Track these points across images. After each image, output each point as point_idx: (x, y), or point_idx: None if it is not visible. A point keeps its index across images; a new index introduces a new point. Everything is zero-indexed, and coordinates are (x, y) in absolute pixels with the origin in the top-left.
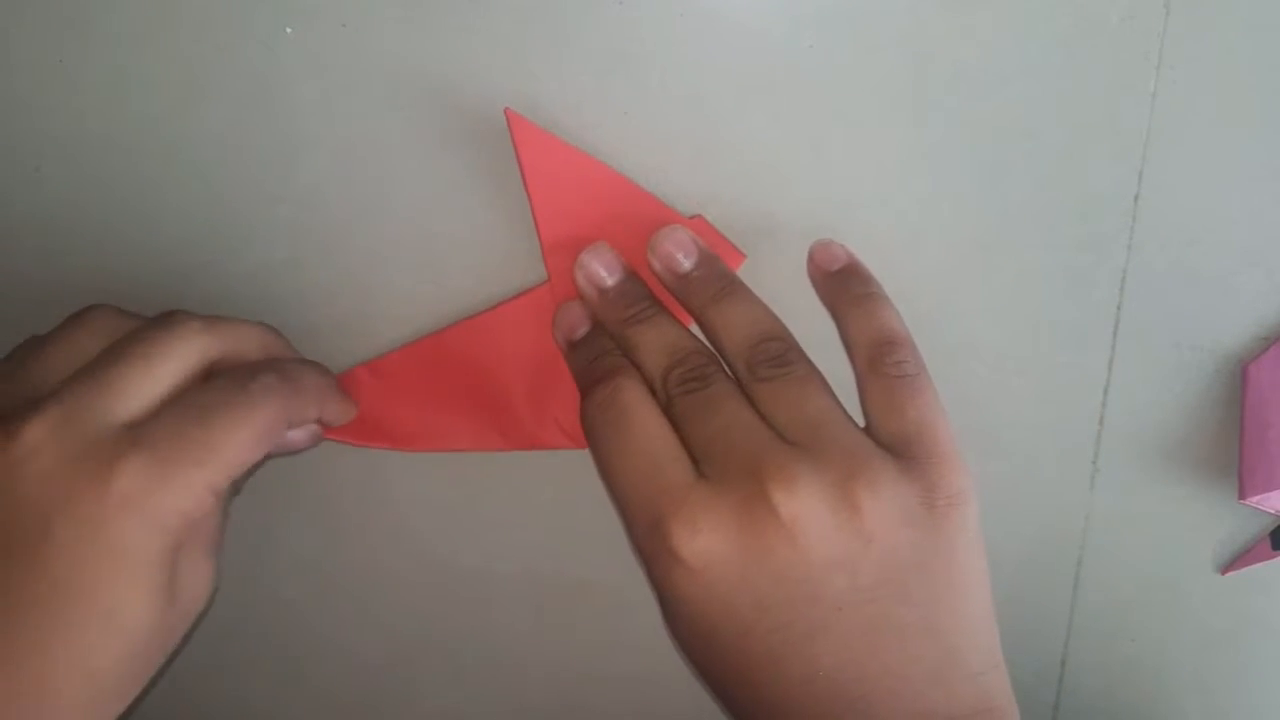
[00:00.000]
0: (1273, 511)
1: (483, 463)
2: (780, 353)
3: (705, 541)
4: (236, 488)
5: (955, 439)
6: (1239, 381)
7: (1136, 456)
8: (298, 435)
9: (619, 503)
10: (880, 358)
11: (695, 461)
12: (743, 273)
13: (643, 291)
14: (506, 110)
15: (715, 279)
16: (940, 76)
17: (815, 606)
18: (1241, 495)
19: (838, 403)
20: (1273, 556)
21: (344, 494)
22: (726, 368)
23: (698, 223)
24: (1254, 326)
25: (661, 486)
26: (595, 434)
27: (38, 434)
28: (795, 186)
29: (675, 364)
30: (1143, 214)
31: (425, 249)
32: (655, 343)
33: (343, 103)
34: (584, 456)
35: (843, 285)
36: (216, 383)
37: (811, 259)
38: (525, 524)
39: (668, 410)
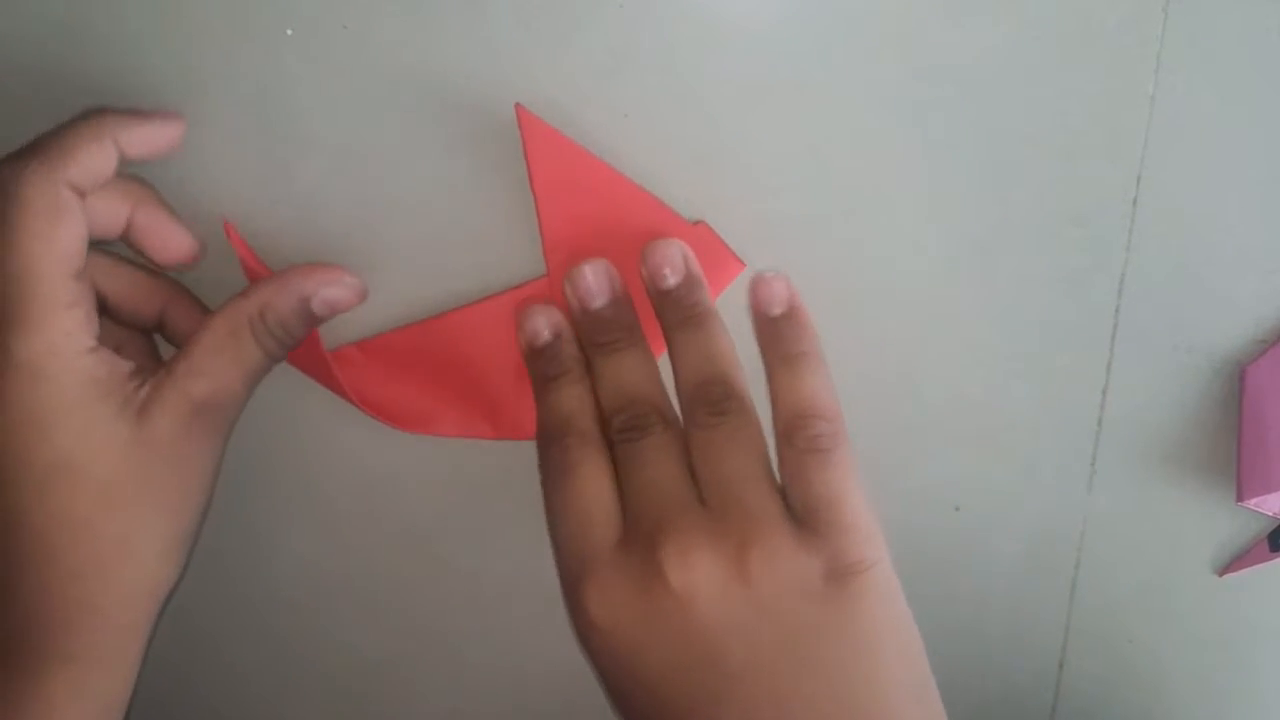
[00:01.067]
0: (1270, 513)
1: (483, 463)
2: (719, 399)
3: (610, 606)
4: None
5: (867, 507)
6: (1237, 384)
7: (1134, 459)
8: (341, 294)
9: (555, 554)
10: (796, 430)
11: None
12: (742, 274)
13: (626, 320)
14: (517, 106)
15: (690, 304)
16: (940, 80)
17: (716, 673)
18: (1239, 497)
19: (762, 460)
20: (1270, 558)
21: (345, 494)
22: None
23: (700, 229)
24: (1252, 329)
25: (585, 548)
26: (544, 485)
27: None
28: (795, 189)
29: (622, 407)
30: (1141, 217)
31: (426, 250)
32: (614, 379)
33: (344, 104)
34: None
35: (775, 337)
36: None
37: (752, 294)
38: (526, 524)
39: (614, 450)
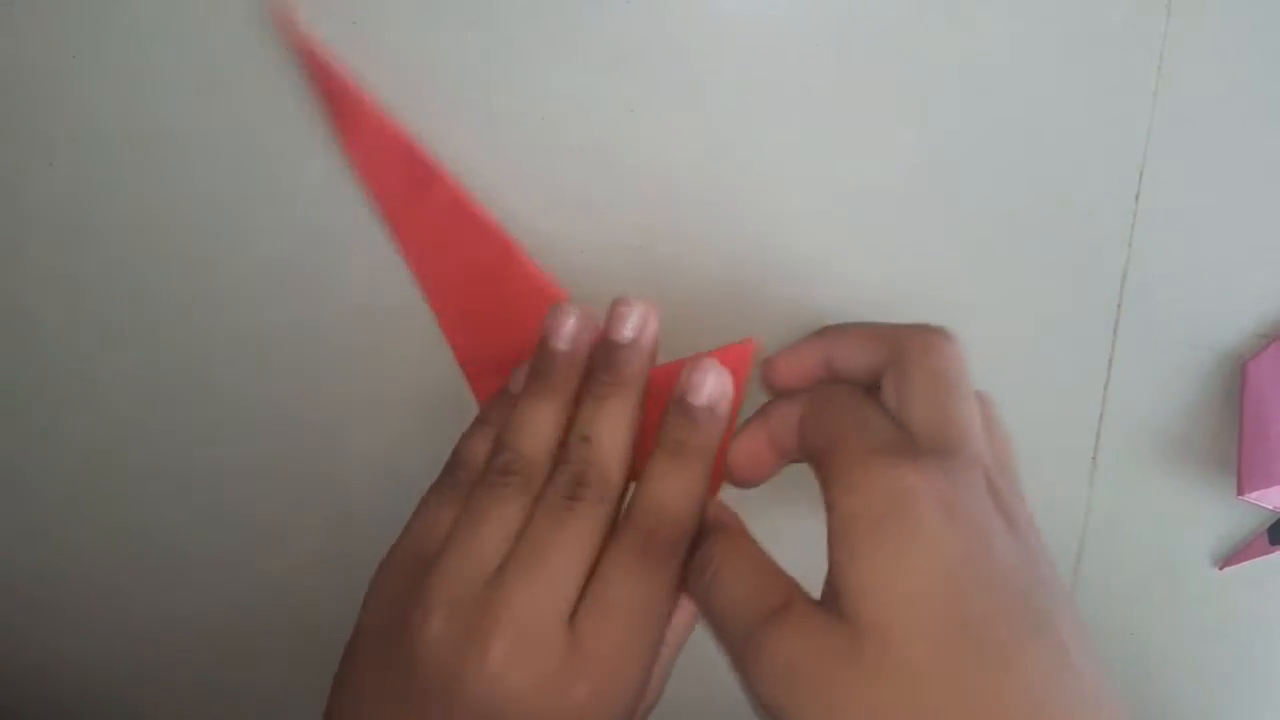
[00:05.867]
0: (1270, 507)
1: None
2: None
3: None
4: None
5: None
6: (1238, 379)
7: (1136, 453)
8: None
9: None
10: None
11: None
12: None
13: None
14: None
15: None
16: (943, 75)
17: None
18: (1240, 491)
19: None
20: (1270, 551)
21: (355, 491)
22: None
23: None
24: (1253, 324)
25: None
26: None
27: None
28: (797, 184)
29: None
30: (1143, 212)
31: None
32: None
33: None
34: None
35: None
36: None
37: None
38: None
39: None
